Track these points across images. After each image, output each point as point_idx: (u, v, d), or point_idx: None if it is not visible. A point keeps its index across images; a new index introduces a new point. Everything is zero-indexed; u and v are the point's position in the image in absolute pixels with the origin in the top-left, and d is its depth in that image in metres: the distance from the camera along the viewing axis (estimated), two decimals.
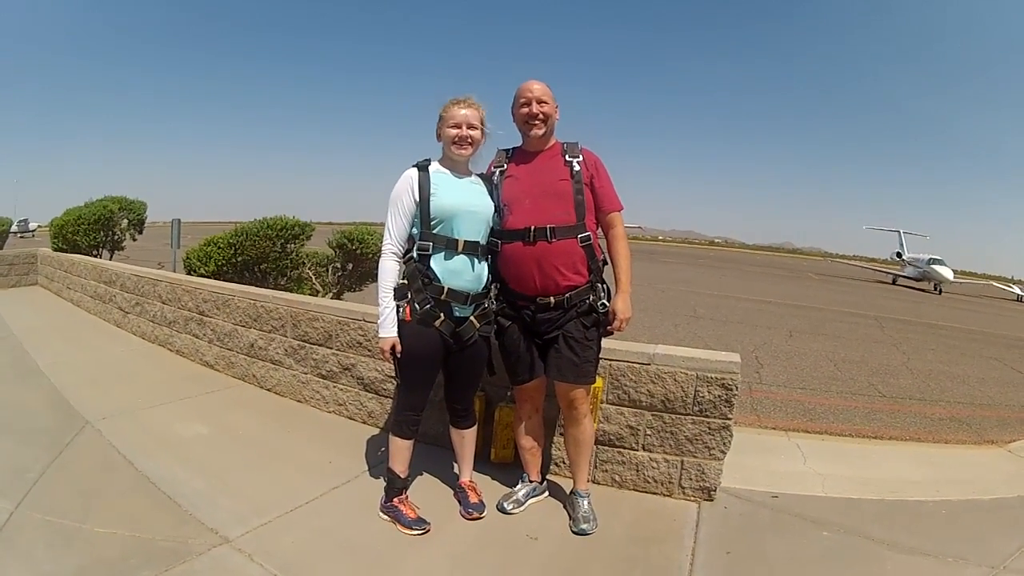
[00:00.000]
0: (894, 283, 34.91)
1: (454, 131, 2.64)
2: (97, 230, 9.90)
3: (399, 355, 2.63)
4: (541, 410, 3.03)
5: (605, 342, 2.88)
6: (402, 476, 2.80)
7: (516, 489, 3.01)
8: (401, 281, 2.64)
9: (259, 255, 7.36)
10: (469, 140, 2.66)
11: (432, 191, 2.60)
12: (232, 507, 2.82)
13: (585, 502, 2.88)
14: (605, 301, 2.75)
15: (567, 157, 2.73)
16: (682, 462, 3.13)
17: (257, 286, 6.15)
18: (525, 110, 2.69)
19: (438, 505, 2.90)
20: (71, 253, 9.24)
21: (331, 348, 4.22)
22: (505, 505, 2.91)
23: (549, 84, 2.73)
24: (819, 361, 8.55)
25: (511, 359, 2.85)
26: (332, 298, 7.32)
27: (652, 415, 3.16)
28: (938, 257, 31.57)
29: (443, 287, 2.59)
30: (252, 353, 4.80)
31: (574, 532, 2.77)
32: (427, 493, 3.01)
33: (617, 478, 3.25)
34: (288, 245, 7.62)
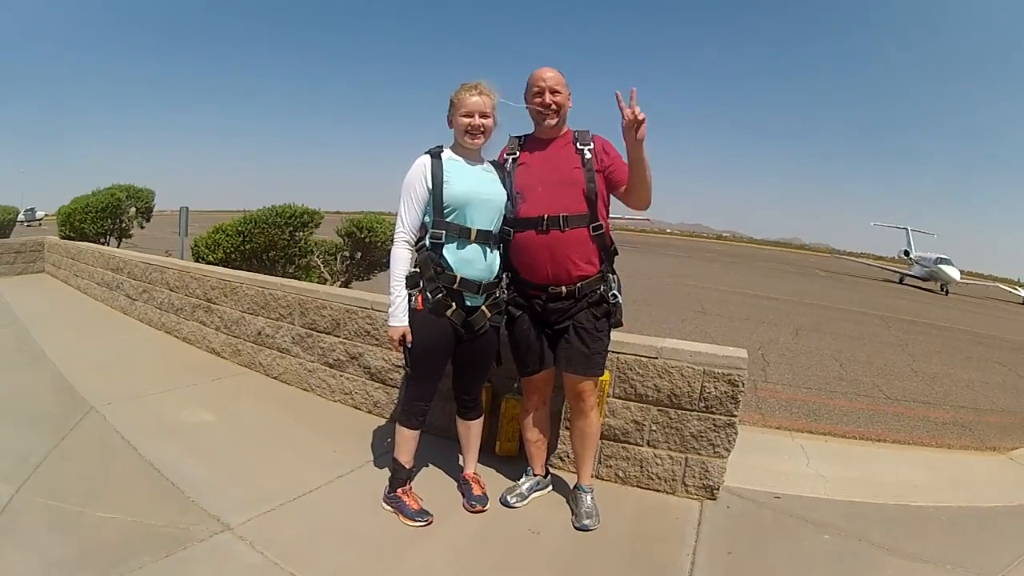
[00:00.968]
0: (901, 282, 34.71)
1: (466, 120, 2.61)
2: (104, 218, 9.93)
3: (409, 345, 2.61)
4: (548, 403, 3.02)
5: (613, 335, 2.86)
6: (407, 467, 2.80)
7: (520, 482, 3.01)
8: (413, 269, 2.62)
9: (267, 243, 7.37)
10: (481, 129, 2.63)
11: (445, 179, 2.58)
12: (235, 494, 2.83)
13: (588, 497, 2.87)
14: (616, 292, 2.73)
15: (579, 145, 2.70)
16: (686, 459, 3.11)
17: (265, 274, 6.16)
18: (538, 100, 2.66)
19: (441, 497, 2.90)
20: (78, 241, 9.28)
21: (338, 337, 4.22)
22: (508, 498, 2.91)
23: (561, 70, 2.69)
24: (825, 360, 8.51)
25: (521, 349, 2.84)
26: (340, 286, 7.33)
27: (658, 410, 3.14)
28: (945, 257, 31.32)
29: (455, 276, 2.57)
30: (259, 341, 4.81)
31: (576, 528, 2.76)
32: (430, 484, 3.01)
33: (621, 474, 3.24)
34: (296, 233, 7.63)
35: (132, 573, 2.22)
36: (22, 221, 39.43)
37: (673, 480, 3.15)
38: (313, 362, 4.40)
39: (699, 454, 3.09)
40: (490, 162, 2.79)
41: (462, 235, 2.58)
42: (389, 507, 2.78)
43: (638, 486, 3.20)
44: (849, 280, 32.39)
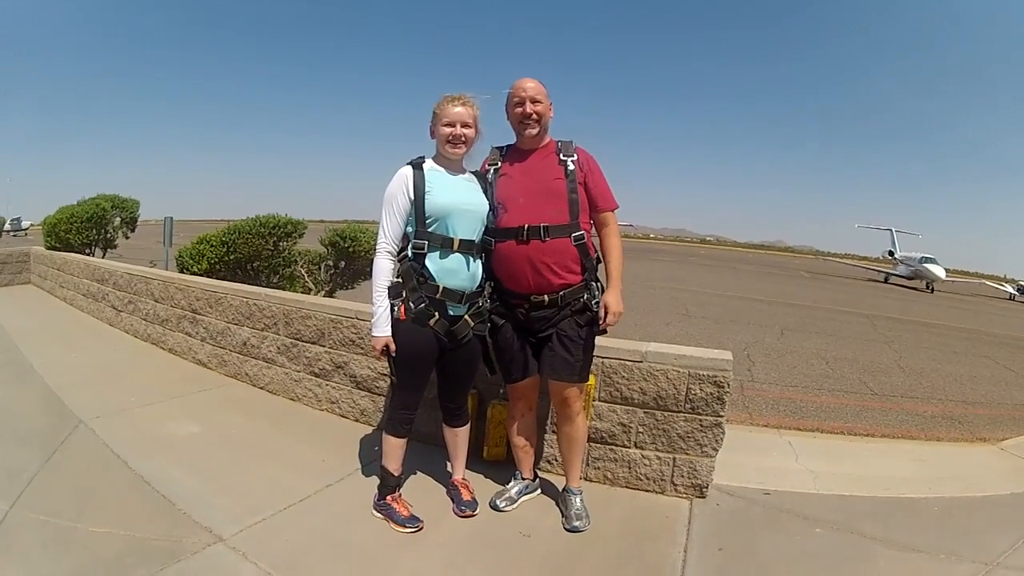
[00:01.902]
0: (886, 281, 35.13)
1: (448, 130, 2.63)
2: (90, 228, 9.86)
3: (393, 354, 2.62)
4: (535, 408, 3.04)
5: (598, 340, 2.89)
6: (395, 474, 2.80)
7: (509, 487, 3.02)
8: (395, 280, 2.63)
9: (252, 253, 7.35)
10: (463, 139, 2.66)
11: (427, 189, 2.60)
12: (226, 506, 2.82)
13: (578, 499, 2.89)
14: (599, 300, 2.75)
15: (561, 156, 2.73)
16: (674, 459, 3.15)
17: (250, 284, 6.13)
18: (519, 110, 2.69)
19: (431, 503, 2.91)
20: (64, 251, 9.19)
21: (324, 346, 4.22)
22: (498, 503, 2.92)
23: (543, 82, 2.72)
24: (811, 359, 8.61)
25: (505, 358, 2.86)
26: (325, 296, 7.31)
27: (644, 412, 3.17)
28: (930, 256, 31.77)
29: (438, 286, 2.59)
30: (245, 351, 4.79)
31: (567, 529, 2.78)
32: (420, 491, 3.01)
33: (609, 475, 3.26)
34: (281, 243, 7.63)
35: None
36: (8, 230, 38.93)
37: (662, 480, 3.17)
38: (299, 372, 4.39)
39: (687, 454, 3.13)
40: (472, 172, 2.81)
41: (444, 245, 2.59)
42: (379, 514, 2.79)
43: (627, 487, 3.23)
44: (834, 281, 32.74)
